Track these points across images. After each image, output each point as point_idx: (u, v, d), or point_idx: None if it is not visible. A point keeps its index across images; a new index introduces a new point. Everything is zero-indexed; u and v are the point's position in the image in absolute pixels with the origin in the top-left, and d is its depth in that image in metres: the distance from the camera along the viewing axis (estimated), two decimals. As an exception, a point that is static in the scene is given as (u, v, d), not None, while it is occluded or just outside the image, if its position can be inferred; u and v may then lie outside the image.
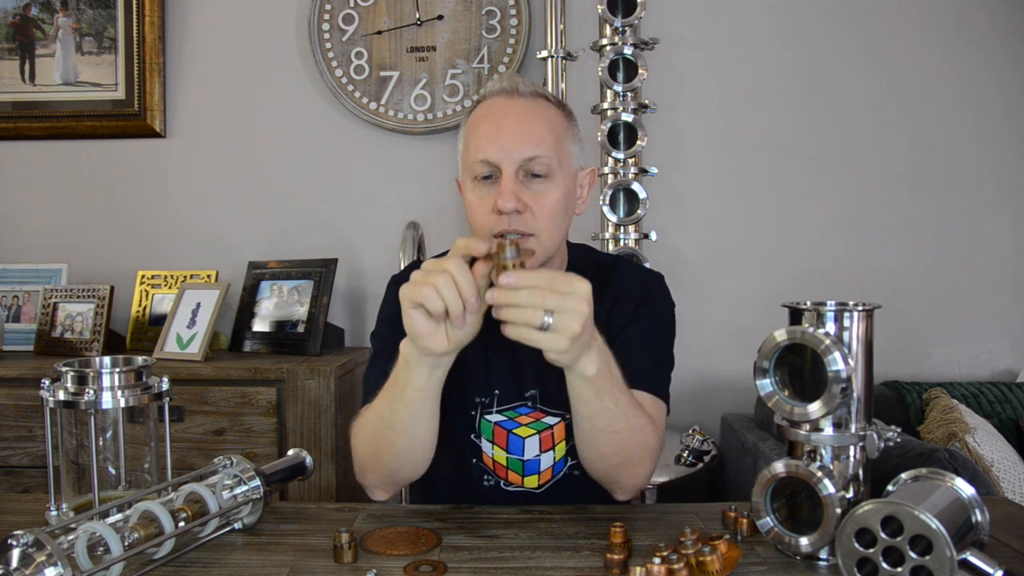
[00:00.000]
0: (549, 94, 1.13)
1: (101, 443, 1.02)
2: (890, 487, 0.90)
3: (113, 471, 1.04)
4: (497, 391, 1.15)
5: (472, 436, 1.16)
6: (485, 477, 1.16)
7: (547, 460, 1.15)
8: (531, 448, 1.14)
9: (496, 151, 1.05)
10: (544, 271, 0.88)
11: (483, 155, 1.06)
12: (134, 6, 2.43)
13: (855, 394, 0.89)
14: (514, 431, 1.14)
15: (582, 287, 0.86)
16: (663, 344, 1.16)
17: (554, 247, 1.09)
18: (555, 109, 1.11)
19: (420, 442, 1.03)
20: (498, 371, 1.15)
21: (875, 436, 0.88)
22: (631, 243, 2.12)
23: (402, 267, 2.10)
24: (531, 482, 1.15)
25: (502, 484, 1.16)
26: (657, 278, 1.22)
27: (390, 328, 1.14)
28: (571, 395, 0.97)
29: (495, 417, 1.15)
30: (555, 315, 0.84)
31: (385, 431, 1.02)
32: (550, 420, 1.15)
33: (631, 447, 1.00)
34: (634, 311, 1.14)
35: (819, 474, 0.88)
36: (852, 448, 0.90)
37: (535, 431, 1.14)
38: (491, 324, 1.15)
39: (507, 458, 1.15)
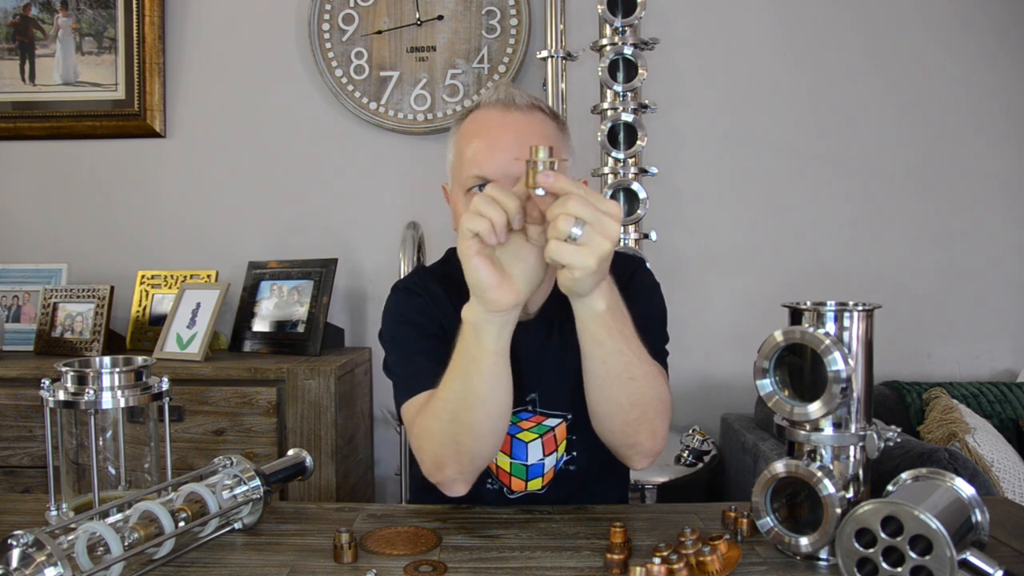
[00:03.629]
0: (544, 104, 1.12)
1: (101, 443, 1.02)
2: (890, 487, 0.90)
3: (113, 471, 1.04)
4: None
5: None
6: (488, 480, 1.16)
7: (550, 462, 1.15)
8: (534, 452, 1.14)
9: (492, 167, 1.04)
10: (579, 183, 0.85)
11: (478, 170, 1.05)
12: (134, 6, 2.43)
13: (855, 394, 0.89)
14: (517, 436, 1.14)
15: (614, 206, 0.84)
16: (655, 321, 1.16)
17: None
18: (550, 121, 1.10)
19: (499, 411, 0.98)
20: None
21: (875, 436, 0.88)
22: (631, 243, 2.12)
23: (402, 267, 2.10)
24: (535, 485, 1.15)
25: (504, 491, 1.16)
26: (639, 261, 1.24)
27: (402, 328, 1.13)
28: (582, 337, 0.94)
29: None
30: (587, 228, 0.82)
31: (461, 412, 0.96)
32: (551, 422, 1.14)
33: (647, 397, 0.98)
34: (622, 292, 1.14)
35: (819, 474, 0.88)
36: (852, 448, 0.90)
37: (537, 435, 1.14)
38: None
39: (511, 463, 1.14)
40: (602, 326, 0.92)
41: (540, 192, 0.84)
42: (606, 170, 2.12)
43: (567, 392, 1.13)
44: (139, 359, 1.06)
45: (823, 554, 0.89)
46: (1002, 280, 2.44)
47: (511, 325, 0.94)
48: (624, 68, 2.10)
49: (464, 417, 0.97)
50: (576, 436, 1.15)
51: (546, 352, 1.15)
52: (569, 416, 1.15)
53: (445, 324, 1.13)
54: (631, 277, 1.17)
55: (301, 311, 2.23)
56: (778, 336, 0.91)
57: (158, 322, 2.29)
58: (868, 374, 0.91)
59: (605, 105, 2.13)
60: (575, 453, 1.15)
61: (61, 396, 0.99)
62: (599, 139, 2.10)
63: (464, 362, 0.95)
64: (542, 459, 1.14)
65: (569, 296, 0.91)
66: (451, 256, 1.22)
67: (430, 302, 1.16)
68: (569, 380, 1.11)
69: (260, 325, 2.28)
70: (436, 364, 1.02)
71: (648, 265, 1.25)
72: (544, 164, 0.84)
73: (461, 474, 1.02)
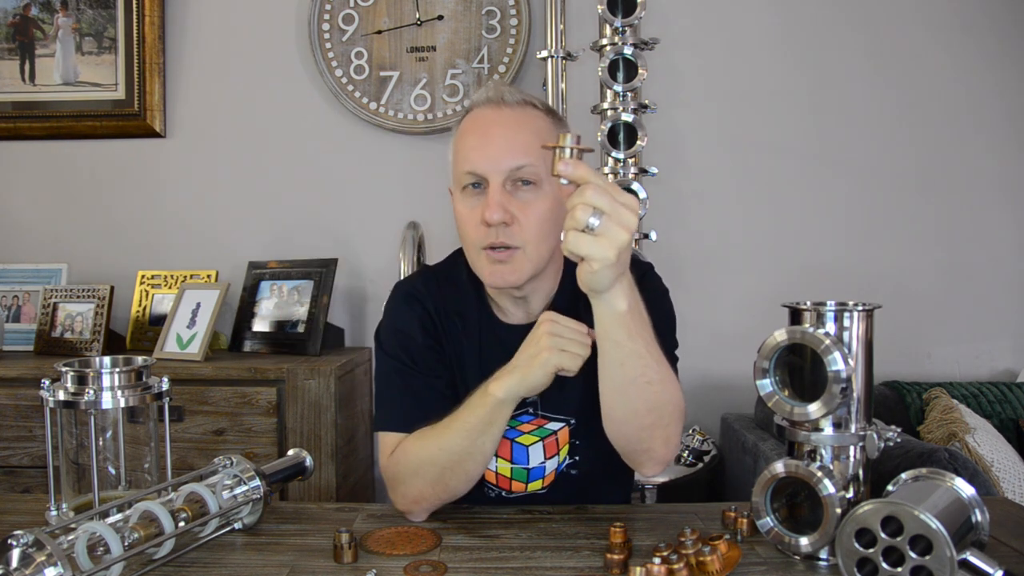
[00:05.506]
0: (537, 100, 1.12)
1: (101, 443, 1.02)
2: (890, 487, 0.90)
3: (113, 471, 1.04)
4: None
5: None
6: (487, 489, 1.16)
7: (551, 465, 1.14)
8: (535, 456, 1.13)
9: (482, 162, 1.05)
10: (600, 173, 0.85)
11: (469, 166, 1.06)
12: (134, 6, 2.43)
13: (855, 394, 0.89)
14: (517, 440, 1.13)
15: (631, 198, 0.84)
16: (665, 327, 1.15)
17: (542, 259, 1.07)
18: (543, 116, 1.10)
19: (488, 460, 1.06)
20: None
21: (875, 436, 0.88)
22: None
23: (402, 267, 2.10)
24: (535, 487, 1.15)
25: (503, 494, 1.16)
26: (648, 267, 1.23)
27: (403, 342, 1.14)
28: (601, 339, 0.94)
29: None
30: (604, 218, 0.82)
31: (463, 463, 1.03)
32: (553, 426, 1.13)
33: (663, 402, 0.97)
34: None
35: (819, 474, 0.88)
36: (852, 448, 0.90)
37: (538, 438, 1.13)
38: (485, 329, 1.16)
39: (511, 469, 1.13)
40: (622, 327, 0.91)
41: (564, 181, 0.85)
42: (606, 170, 2.12)
43: (571, 397, 1.12)
44: (139, 359, 1.06)
45: (823, 554, 0.89)
46: (1002, 280, 2.44)
47: None
48: (624, 68, 2.10)
49: (463, 467, 1.03)
50: (579, 441, 1.14)
51: None
52: (572, 421, 1.13)
53: (440, 330, 1.15)
54: (639, 281, 1.16)
55: (301, 311, 2.23)
56: (778, 336, 0.91)
57: (158, 322, 2.29)
58: (868, 374, 0.91)
59: (605, 105, 2.13)
60: (577, 457, 1.14)
61: (61, 396, 0.99)
62: (599, 139, 2.10)
63: (480, 425, 1.01)
64: (543, 462, 1.13)
65: (589, 294, 0.90)
66: (457, 259, 1.21)
67: (429, 309, 1.16)
68: (573, 384, 1.10)
69: (260, 325, 2.28)
70: (418, 406, 1.09)
71: (667, 282, 1.25)
72: (573, 152, 0.84)
73: (435, 507, 1.08)
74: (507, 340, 1.14)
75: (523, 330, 1.13)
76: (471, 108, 1.12)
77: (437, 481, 1.04)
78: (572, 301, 1.11)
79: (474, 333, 1.15)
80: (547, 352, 0.96)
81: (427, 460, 1.04)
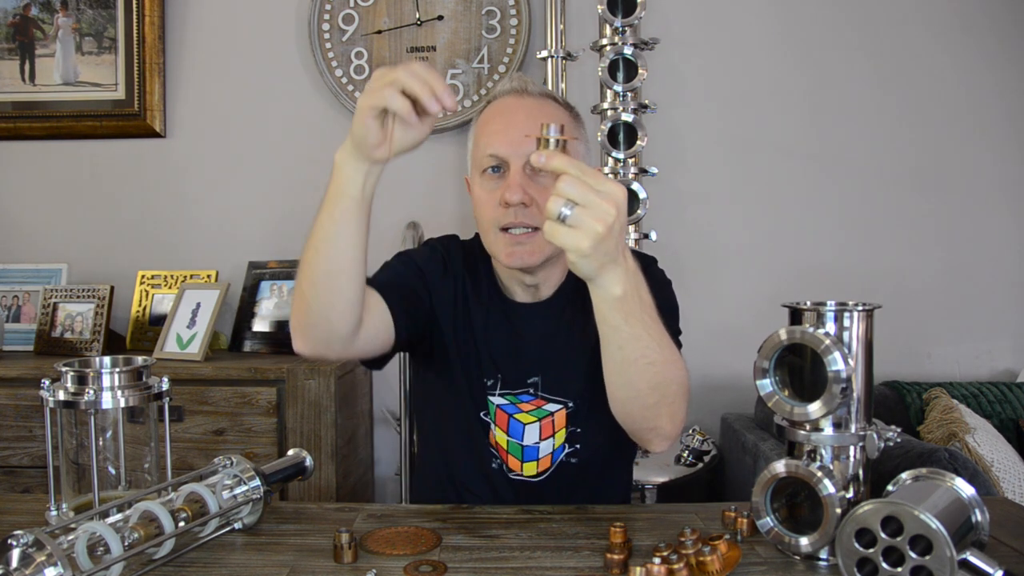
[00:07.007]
0: (557, 96, 1.17)
1: (101, 443, 1.02)
2: (890, 487, 0.90)
3: (113, 471, 1.04)
4: (500, 374, 1.16)
5: (482, 414, 1.17)
6: (493, 459, 1.17)
7: (546, 447, 1.16)
8: (531, 435, 1.16)
9: (505, 146, 1.09)
10: (581, 163, 0.84)
11: (492, 150, 1.10)
12: (134, 6, 2.43)
13: (855, 394, 0.89)
14: (515, 416, 1.16)
15: (615, 189, 0.83)
16: (666, 314, 1.16)
17: None
18: (563, 110, 1.15)
19: (340, 260, 0.96)
20: (501, 354, 1.17)
21: (875, 436, 0.88)
22: (631, 243, 2.12)
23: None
24: (530, 469, 1.16)
25: (504, 468, 1.17)
26: (650, 259, 1.25)
27: (406, 265, 1.19)
28: (599, 322, 0.93)
29: (498, 400, 1.17)
30: (577, 208, 0.81)
31: (308, 252, 0.97)
32: (551, 407, 1.15)
33: (666, 381, 0.98)
34: None
35: (819, 474, 0.88)
36: (852, 448, 0.90)
37: (536, 418, 1.16)
38: (494, 303, 1.17)
39: (508, 441, 1.16)
40: (618, 312, 0.91)
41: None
42: (606, 170, 2.12)
43: (572, 379, 1.14)
44: (139, 359, 1.06)
45: (823, 554, 0.89)
46: (1002, 280, 2.44)
47: (375, 178, 0.98)
48: (624, 68, 2.10)
49: (308, 257, 0.98)
50: (580, 428, 1.16)
51: (554, 338, 1.16)
52: (571, 404, 1.15)
53: (441, 287, 1.19)
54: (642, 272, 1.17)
55: (301, 311, 2.23)
56: (778, 336, 0.91)
57: (158, 322, 2.29)
58: (868, 374, 0.91)
59: (605, 105, 2.13)
60: (578, 445, 1.16)
61: (61, 396, 0.99)
62: (599, 139, 2.10)
63: (328, 204, 0.97)
64: (538, 442, 1.15)
65: (585, 280, 0.90)
66: (478, 242, 1.25)
67: (445, 265, 1.21)
68: (575, 367, 1.12)
69: (260, 325, 2.28)
70: (392, 284, 1.11)
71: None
72: (555, 142, 0.84)
73: (299, 324, 1.02)
74: (512, 316, 1.18)
75: (528, 307, 1.18)
76: (495, 98, 1.17)
77: (301, 282, 0.99)
78: (578, 289, 1.13)
79: (484, 302, 1.19)
80: (362, 98, 0.91)
81: (301, 262, 1.00)
